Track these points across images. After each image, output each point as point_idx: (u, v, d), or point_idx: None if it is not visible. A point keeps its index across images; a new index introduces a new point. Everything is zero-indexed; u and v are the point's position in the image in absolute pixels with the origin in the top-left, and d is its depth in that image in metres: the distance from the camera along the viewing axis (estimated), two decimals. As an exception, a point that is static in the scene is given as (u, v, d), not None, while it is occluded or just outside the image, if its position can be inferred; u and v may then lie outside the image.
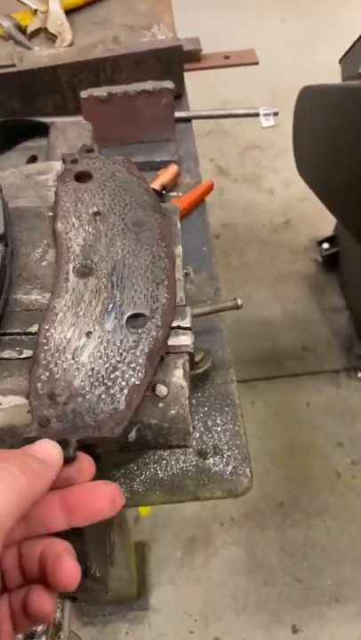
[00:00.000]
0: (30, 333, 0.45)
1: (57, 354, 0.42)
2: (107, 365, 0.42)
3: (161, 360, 0.44)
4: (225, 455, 0.64)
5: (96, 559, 0.42)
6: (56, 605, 0.36)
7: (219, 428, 0.66)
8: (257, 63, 1.11)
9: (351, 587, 1.43)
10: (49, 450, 0.36)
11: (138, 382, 0.41)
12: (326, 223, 2.05)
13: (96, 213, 0.51)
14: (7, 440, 0.41)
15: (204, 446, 0.65)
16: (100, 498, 0.36)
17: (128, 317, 0.44)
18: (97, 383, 0.41)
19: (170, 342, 0.45)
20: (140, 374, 0.41)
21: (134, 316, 0.45)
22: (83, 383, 0.41)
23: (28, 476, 0.33)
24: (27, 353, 0.44)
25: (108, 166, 0.55)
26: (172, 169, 0.89)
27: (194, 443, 0.65)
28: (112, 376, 0.41)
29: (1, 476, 0.32)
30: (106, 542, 0.48)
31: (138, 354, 0.42)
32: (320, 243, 2.03)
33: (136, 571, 1.41)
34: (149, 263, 0.47)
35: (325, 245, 2.01)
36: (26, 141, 0.95)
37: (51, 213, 0.52)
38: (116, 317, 0.44)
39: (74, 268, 0.47)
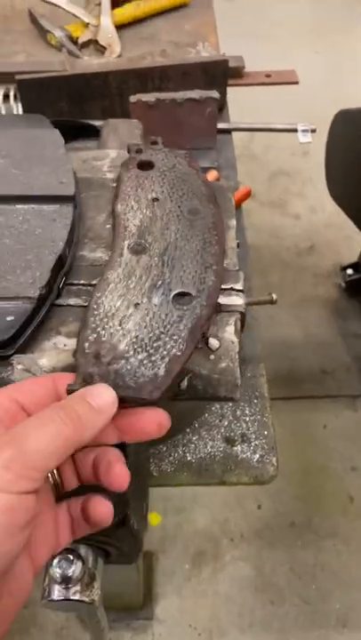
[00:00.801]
0: (94, 285, 0.48)
1: (105, 319, 0.44)
2: (150, 335, 0.44)
3: (203, 337, 0.45)
4: (252, 444, 0.65)
5: (135, 512, 0.44)
6: (113, 511, 0.39)
7: (247, 418, 0.68)
8: (297, 82, 1.15)
9: (360, 612, 1.41)
10: (103, 395, 0.38)
11: (179, 353, 0.43)
12: (351, 250, 2.07)
13: (154, 199, 0.53)
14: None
15: (232, 434, 0.66)
16: (149, 422, 0.40)
17: (175, 295, 0.46)
18: (140, 349, 0.43)
19: (223, 301, 0.47)
20: (181, 346, 0.43)
21: (181, 295, 0.46)
22: (127, 348, 0.43)
23: (75, 424, 0.35)
24: (90, 302, 0.47)
25: (169, 158, 0.58)
26: (213, 174, 0.93)
27: (222, 430, 0.66)
28: (155, 344, 0.43)
29: (50, 421, 0.35)
30: (143, 501, 0.49)
31: (181, 328, 0.44)
32: (344, 268, 2.05)
33: (143, 579, 1.40)
34: (200, 248, 0.50)
35: (349, 271, 2.02)
36: (73, 142, 0.99)
37: (115, 184, 0.55)
38: (163, 293, 0.46)
39: (128, 245, 0.49)
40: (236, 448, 0.65)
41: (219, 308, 0.47)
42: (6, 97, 1.07)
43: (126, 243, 0.49)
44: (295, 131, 1.05)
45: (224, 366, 0.43)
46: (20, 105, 1.04)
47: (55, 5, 1.31)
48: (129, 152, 0.58)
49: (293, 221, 2.35)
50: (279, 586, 1.45)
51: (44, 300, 0.44)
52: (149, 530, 1.52)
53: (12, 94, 1.06)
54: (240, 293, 0.47)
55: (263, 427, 0.67)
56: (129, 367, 0.42)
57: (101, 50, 1.22)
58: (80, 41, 1.23)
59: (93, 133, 0.98)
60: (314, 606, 1.42)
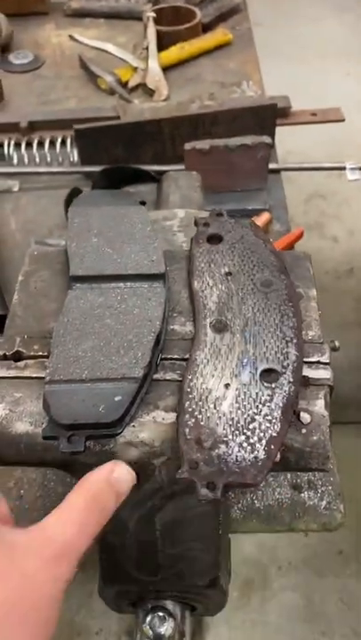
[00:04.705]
0: (187, 359, 0.50)
1: (200, 402, 0.46)
2: (245, 416, 0.45)
3: (293, 414, 0.47)
4: (319, 490, 0.67)
5: (223, 572, 0.46)
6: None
7: (313, 465, 0.69)
8: (343, 120, 1.17)
9: None
10: (124, 477, 0.43)
11: (275, 434, 0.44)
12: (392, 273, 2.07)
13: (227, 273, 0.55)
14: (166, 452, 0.46)
15: (298, 480, 0.68)
16: None
17: (261, 372, 0.48)
18: (237, 432, 0.44)
19: (311, 375, 0.49)
20: (276, 427, 0.44)
21: (267, 371, 0.48)
22: (225, 431, 0.44)
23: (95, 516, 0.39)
24: (184, 376, 0.49)
25: (236, 229, 0.59)
26: (265, 216, 0.95)
27: (289, 476, 0.68)
28: (250, 426, 0.45)
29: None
30: (229, 558, 0.51)
31: (273, 407, 0.45)
32: (385, 292, 2.05)
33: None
34: (278, 322, 0.51)
35: (390, 295, 2.02)
36: (128, 186, 1.03)
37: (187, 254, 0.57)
38: (250, 371, 0.48)
39: (210, 323, 0.51)
40: (303, 495, 0.66)
41: (307, 382, 0.48)
42: (63, 143, 1.12)
43: (208, 321, 0.51)
44: (343, 169, 1.07)
45: (315, 440, 0.45)
46: (75, 151, 1.09)
47: (104, 51, 1.37)
48: (196, 225, 0.59)
49: (331, 244, 2.36)
50: (329, 616, 1.44)
51: (146, 378, 0.47)
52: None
53: (68, 141, 1.11)
54: (327, 366, 0.49)
55: (329, 473, 0.68)
56: (230, 452, 0.43)
57: (150, 92, 1.27)
58: (130, 85, 1.27)
59: (148, 178, 1.02)
60: (365, 638, 1.41)
